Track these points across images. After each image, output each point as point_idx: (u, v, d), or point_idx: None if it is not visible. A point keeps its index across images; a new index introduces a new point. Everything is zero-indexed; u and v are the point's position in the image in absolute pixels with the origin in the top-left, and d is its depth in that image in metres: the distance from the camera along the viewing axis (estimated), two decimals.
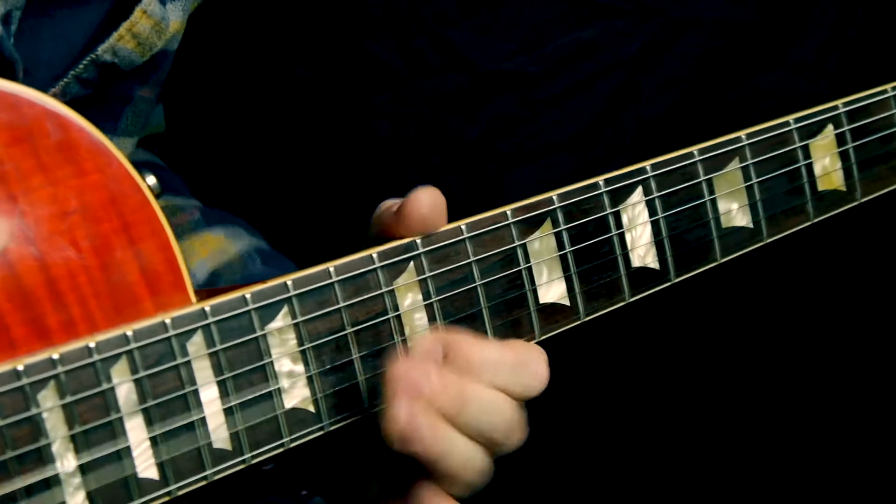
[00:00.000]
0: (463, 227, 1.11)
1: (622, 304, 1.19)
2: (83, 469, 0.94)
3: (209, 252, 1.33)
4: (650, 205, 1.19)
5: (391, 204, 1.09)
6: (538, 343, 1.14)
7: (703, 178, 1.22)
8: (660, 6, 1.82)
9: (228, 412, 1.00)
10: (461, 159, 1.72)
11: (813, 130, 1.28)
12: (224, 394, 1.00)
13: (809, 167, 1.28)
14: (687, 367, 2.00)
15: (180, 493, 0.99)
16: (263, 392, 1.02)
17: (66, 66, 1.15)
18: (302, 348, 1.03)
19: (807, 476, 2.04)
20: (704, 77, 1.81)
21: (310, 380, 1.04)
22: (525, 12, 1.81)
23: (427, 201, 1.06)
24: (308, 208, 1.79)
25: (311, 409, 1.04)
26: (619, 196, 1.18)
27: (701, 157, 1.22)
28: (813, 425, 2.03)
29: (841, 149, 1.30)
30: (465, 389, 1.03)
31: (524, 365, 1.08)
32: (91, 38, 1.17)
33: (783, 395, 2.03)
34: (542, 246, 1.14)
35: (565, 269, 1.15)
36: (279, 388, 1.02)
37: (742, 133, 1.24)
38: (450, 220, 1.10)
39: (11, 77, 1.09)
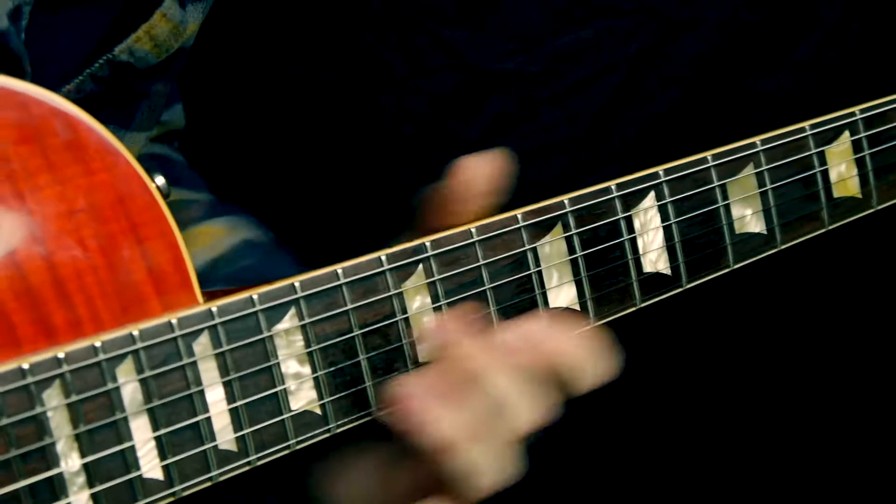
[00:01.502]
0: (473, 230, 1.10)
1: (633, 309, 1.18)
2: (87, 468, 0.94)
3: (209, 242, 1.33)
4: (662, 210, 1.18)
5: (432, 188, 1.09)
6: None
7: (716, 183, 1.21)
8: (660, 6, 1.81)
9: (234, 413, 1.00)
10: None
11: (829, 137, 1.28)
12: (230, 395, 1.00)
13: (825, 174, 1.27)
14: (687, 368, 2.00)
15: (185, 493, 0.98)
16: (270, 393, 1.02)
17: (80, 64, 1.15)
18: (309, 350, 1.03)
19: (806, 476, 2.03)
20: (704, 77, 1.80)
21: (316, 382, 1.04)
22: (525, 12, 1.81)
23: (481, 171, 1.07)
24: (308, 208, 1.79)
25: (318, 411, 1.04)
26: (632, 201, 1.17)
27: (715, 163, 1.21)
28: (813, 425, 2.03)
29: (857, 155, 1.29)
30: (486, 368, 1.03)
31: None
32: (106, 36, 1.17)
33: (784, 396, 2.02)
34: (552, 250, 1.13)
35: (576, 273, 1.14)
36: (285, 390, 1.02)
37: (757, 139, 1.24)
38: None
39: (19, 73, 1.09)
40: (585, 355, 1.06)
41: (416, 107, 1.80)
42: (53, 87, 1.08)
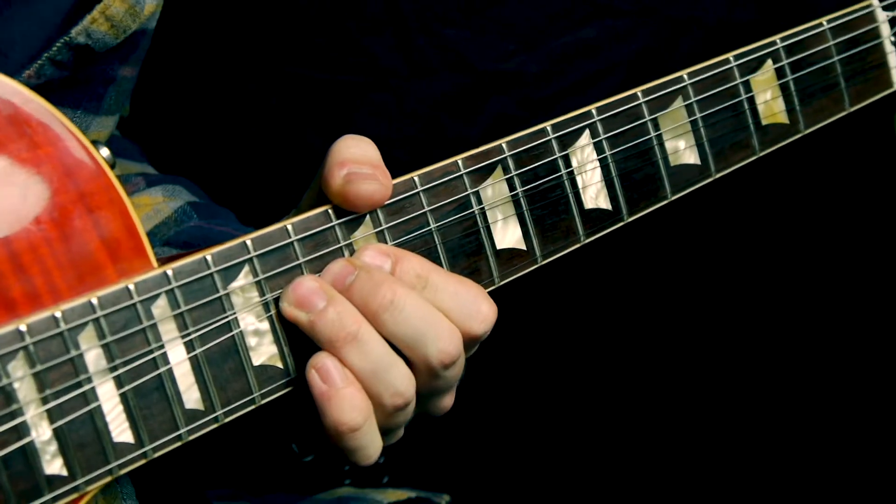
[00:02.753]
0: (416, 178, 1.12)
1: (577, 245, 1.21)
2: (58, 436, 0.95)
3: (144, 213, 1.34)
4: (598, 146, 1.21)
5: (343, 161, 1.09)
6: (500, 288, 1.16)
7: (648, 118, 1.24)
8: (660, 6, 1.83)
9: (198, 372, 1.01)
10: None
11: (753, 66, 1.31)
12: (192, 354, 1.01)
13: (752, 101, 1.30)
14: (685, 365, 2.02)
15: (156, 454, 1.00)
16: (231, 349, 1.03)
17: (41, 48, 1.16)
18: (265, 303, 1.05)
19: (806, 475, 2.06)
20: None
21: (276, 336, 1.05)
22: (525, 12, 1.82)
23: (364, 197, 1.08)
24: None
25: (280, 364, 1.06)
26: (568, 140, 1.20)
27: (645, 99, 1.24)
28: (812, 424, 2.05)
29: (781, 81, 1.32)
30: (396, 294, 1.06)
31: (469, 296, 1.10)
32: (65, 19, 1.18)
33: (781, 393, 2.04)
34: (494, 192, 1.16)
35: (519, 213, 1.17)
36: (246, 346, 1.04)
37: (684, 72, 1.27)
38: None
39: None
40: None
41: (416, 107, 1.82)
42: (14, 73, 1.09)
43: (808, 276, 1.99)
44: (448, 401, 1.15)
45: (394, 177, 1.10)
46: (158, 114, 1.90)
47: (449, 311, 1.09)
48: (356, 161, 1.08)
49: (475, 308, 1.10)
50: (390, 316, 1.05)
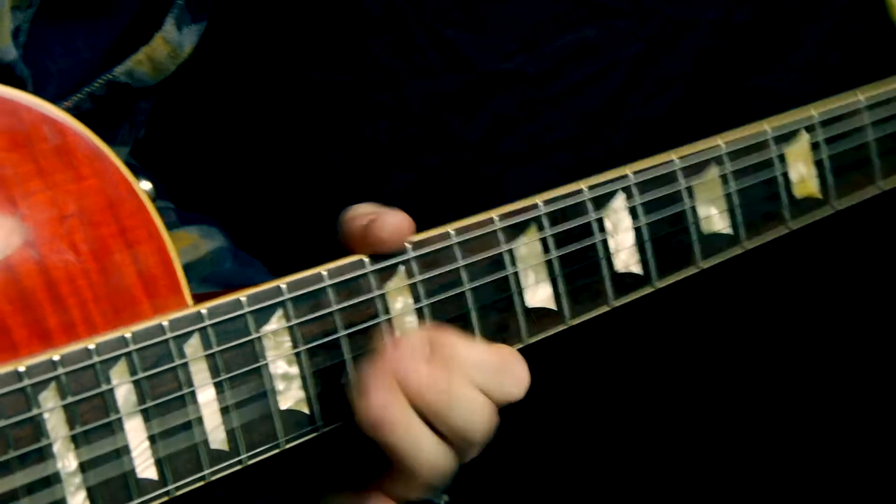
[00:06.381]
0: (451, 231, 1.12)
1: (606, 308, 1.21)
2: (83, 468, 0.95)
3: (182, 247, 1.34)
4: (632, 211, 1.21)
5: (359, 215, 1.09)
6: (523, 349, 1.16)
7: (683, 185, 1.24)
8: (660, 6, 1.84)
9: (225, 413, 1.01)
10: (461, 159, 1.73)
11: (788, 137, 1.31)
12: (221, 395, 1.01)
13: (785, 174, 1.31)
14: (683, 368, 2.02)
15: (178, 493, 1.00)
16: (259, 393, 1.03)
17: (79, 82, 1.17)
18: (296, 350, 1.05)
19: (805, 475, 2.06)
20: (704, 77, 1.83)
21: (304, 382, 1.05)
22: (525, 12, 1.82)
23: (389, 226, 1.07)
24: (308, 208, 1.80)
25: (306, 410, 1.06)
26: (602, 201, 1.20)
27: (682, 166, 1.24)
28: (811, 424, 2.05)
29: (816, 156, 1.33)
30: (451, 386, 1.05)
31: (508, 367, 1.09)
32: (105, 55, 1.18)
33: (781, 395, 2.04)
34: (528, 251, 1.16)
35: (551, 273, 1.17)
36: (274, 390, 1.04)
37: (720, 141, 1.27)
38: (449, 221, 1.11)
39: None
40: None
41: (416, 107, 1.81)
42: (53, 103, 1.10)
43: (809, 276, 1.99)
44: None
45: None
46: (158, 114, 1.90)
47: (491, 390, 1.07)
48: (366, 211, 1.09)
49: (514, 378, 1.09)
50: (447, 410, 1.05)
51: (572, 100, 1.83)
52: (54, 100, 1.13)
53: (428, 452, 1.05)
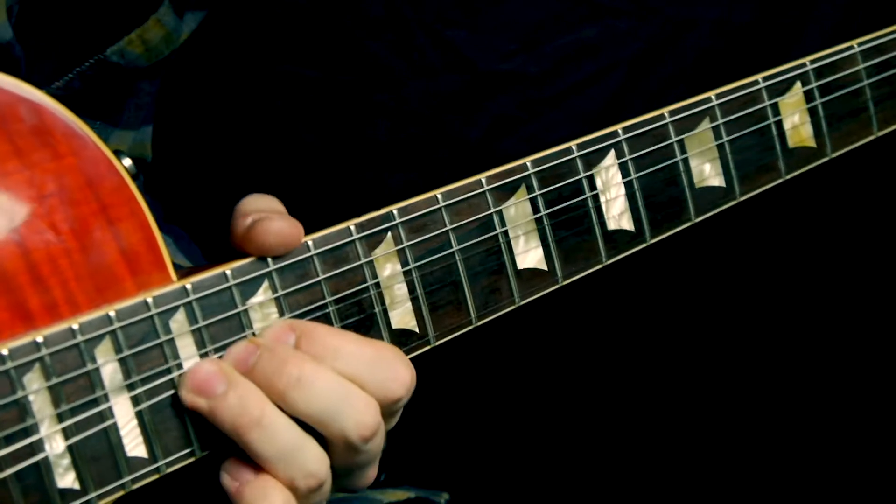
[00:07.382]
0: (439, 195, 1.11)
1: (599, 266, 1.20)
2: (72, 450, 0.95)
3: None
4: (623, 167, 1.20)
5: (250, 210, 1.05)
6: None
7: (674, 139, 1.23)
8: (660, 6, 1.81)
9: None
10: (461, 159, 1.72)
11: (781, 88, 1.30)
12: None
13: (779, 124, 1.29)
14: (685, 364, 2.01)
15: (169, 469, 0.99)
16: None
17: (71, 62, 1.16)
18: (283, 317, 1.04)
19: (805, 475, 2.05)
20: (704, 77, 1.81)
21: None
22: (525, 12, 1.80)
23: (273, 233, 1.03)
24: (308, 208, 1.79)
25: None
26: (593, 159, 1.19)
27: (672, 119, 1.23)
28: (811, 424, 2.04)
29: (809, 105, 1.31)
30: (303, 370, 1.00)
31: (384, 362, 1.04)
32: (97, 36, 1.18)
33: (781, 393, 2.03)
34: (517, 212, 1.15)
35: (541, 234, 1.16)
36: None
37: (712, 93, 1.26)
38: None
39: (17, 73, 1.09)
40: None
41: (416, 107, 1.81)
42: (41, 84, 1.09)
43: (809, 277, 1.98)
44: (371, 473, 1.08)
45: (415, 195, 1.09)
46: (158, 114, 1.90)
47: (364, 381, 1.02)
48: (260, 210, 1.05)
49: (392, 373, 1.03)
50: (299, 394, 0.99)
51: (572, 100, 1.81)
52: (48, 80, 1.13)
53: (281, 440, 1.00)
